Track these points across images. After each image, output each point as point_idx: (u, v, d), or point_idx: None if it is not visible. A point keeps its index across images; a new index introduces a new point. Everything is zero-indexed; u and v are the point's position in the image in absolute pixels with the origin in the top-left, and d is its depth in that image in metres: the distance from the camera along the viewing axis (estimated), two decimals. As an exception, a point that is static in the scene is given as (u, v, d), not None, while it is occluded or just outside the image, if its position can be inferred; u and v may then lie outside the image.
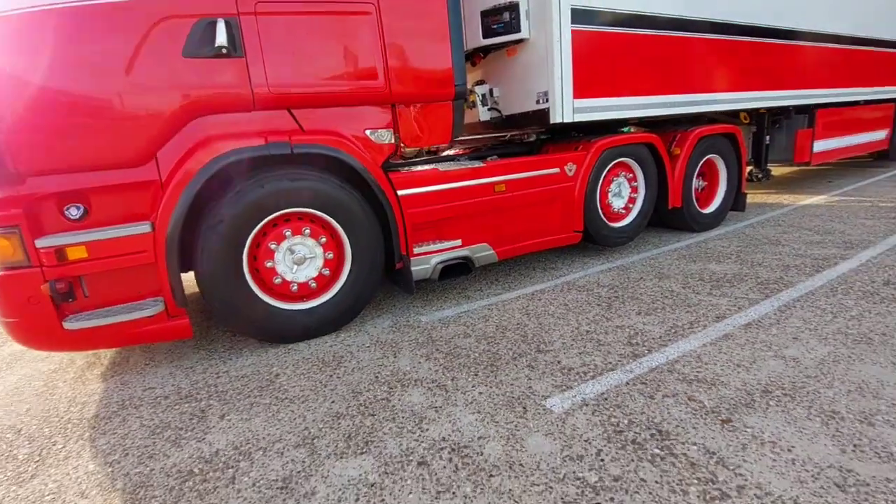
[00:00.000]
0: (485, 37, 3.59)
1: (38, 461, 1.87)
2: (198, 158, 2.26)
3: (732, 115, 5.21)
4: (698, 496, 1.40)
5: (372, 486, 1.55)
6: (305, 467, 1.68)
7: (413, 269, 2.95)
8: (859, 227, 4.21)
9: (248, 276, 2.50)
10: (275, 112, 2.47)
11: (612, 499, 1.42)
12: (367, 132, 2.75)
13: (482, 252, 3.21)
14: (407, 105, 2.84)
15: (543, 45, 3.41)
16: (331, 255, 2.68)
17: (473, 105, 3.97)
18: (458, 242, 3.10)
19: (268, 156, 2.40)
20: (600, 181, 3.77)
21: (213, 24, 2.21)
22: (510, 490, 1.48)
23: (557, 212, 3.55)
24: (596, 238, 3.86)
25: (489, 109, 3.97)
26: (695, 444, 1.62)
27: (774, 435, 1.63)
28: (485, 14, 3.55)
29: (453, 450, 1.70)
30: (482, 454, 1.66)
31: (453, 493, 1.50)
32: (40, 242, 2.10)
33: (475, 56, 3.95)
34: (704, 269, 3.45)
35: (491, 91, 3.96)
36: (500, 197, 3.21)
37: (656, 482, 1.46)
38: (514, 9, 3.43)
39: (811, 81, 5.26)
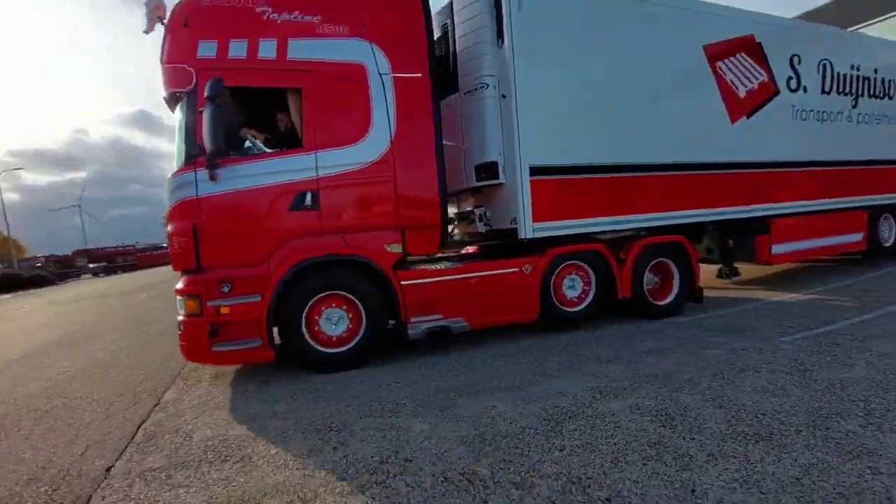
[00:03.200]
0: (477, 181, 5.33)
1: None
2: (290, 262, 4.20)
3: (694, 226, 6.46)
4: (856, 352, 3.88)
5: (734, 353, 4.14)
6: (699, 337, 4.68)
7: (409, 332, 4.60)
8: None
9: (304, 329, 4.31)
10: (332, 236, 4.41)
11: (821, 351, 3.97)
12: (385, 246, 4.59)
13: (458, 323, 4.79)
14: (410, 230, 4.68)
15: (513, 187, 5.11)
16: (351, 311, 4.43)
17: (472, 221, 5.75)
18: (440, 316, 4.73)
19: (326, 260, 4.30)
20: (553, 277, 5.26)
21: (304, 194, 4.27)
22: (783, 349, 4.09)
23: (518, 298, 5.06)
24: (553, 317, 5.27)
25: (484, 224, 5.69)
26: (852, 345, 4.09)
27: (881, 343, 4.07)
28: (477, 167, 5.36)
29: (754, 349, 4.17)
30: (768, 350, 4.11)
31: (767, 356, 3.97)
32: (210, 303, 4.08)
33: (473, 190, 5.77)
34: (817, 308, 5.73)
35: (485, 212, 5.70)
36: (471, 288, 4.84)
37: (837, 352, 3.91)
38: (494, 165, 5.20)
39: (748, 199, 6.47)
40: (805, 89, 6.99)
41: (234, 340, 4.18)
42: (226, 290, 4.19)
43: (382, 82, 4.51)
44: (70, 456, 3.12)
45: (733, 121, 6.38)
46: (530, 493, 2.25)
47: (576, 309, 5.43)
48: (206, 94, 3.82)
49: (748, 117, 6.51)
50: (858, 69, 7.43)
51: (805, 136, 7.00)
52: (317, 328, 4.37)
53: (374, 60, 4.48)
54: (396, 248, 4.65)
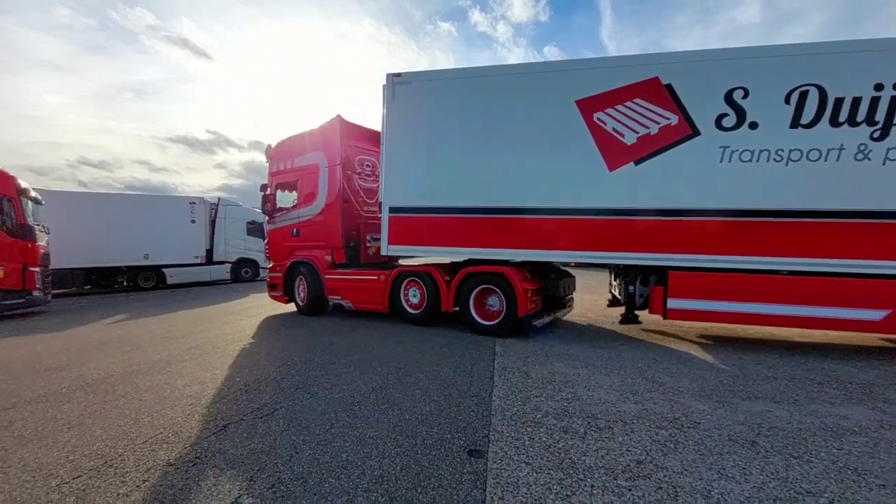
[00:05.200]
0: (380, 213, 8.50)
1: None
2: (288, 261, 9.30)
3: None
4: None
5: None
6: None
7: (329, 304, 8.77)
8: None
9: (296, 291, 9.33)
10: (305, 250, 9.13)
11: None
12: (325, 257, 8.88)
13: (347, 304, 8.49)
14: (335, 248, 8.74)
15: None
16: (303, 287, 9.04)
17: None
18: (339, 297, 8.60)
19: (300, 261, 9.13)
20: (402, 286, 7.86)
21: (294, 229, 9.20)
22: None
23: (378, 297, 8.10)
24: (399, 316, 7.87)
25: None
26: None
27: None
28: (380, 204, 8.44)
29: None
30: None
31: None
32: (271, 274, 9.80)
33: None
34: None
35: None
36: (353, 284, 8.37)
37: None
38: (380, 205, 8.22)
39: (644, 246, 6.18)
40: (754, 126, 5.42)
41: (277, 291, 9.76)
42: (278, 269, 9.79)
43: (324, 172, 8.75)
44: (466, 373, 4.83)
45: (613, 168, 6.22)
46: (808, 463, 2.57)
47: (415, 312, 7.75)
48: (262, 191, 9.50)
49: (637, 164, 6.06)
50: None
51: (750, 180, 5.57)
52: (299, 292, 9.33)
53: (322, 160, 8.79)
54: (329, 258, 8.86)
